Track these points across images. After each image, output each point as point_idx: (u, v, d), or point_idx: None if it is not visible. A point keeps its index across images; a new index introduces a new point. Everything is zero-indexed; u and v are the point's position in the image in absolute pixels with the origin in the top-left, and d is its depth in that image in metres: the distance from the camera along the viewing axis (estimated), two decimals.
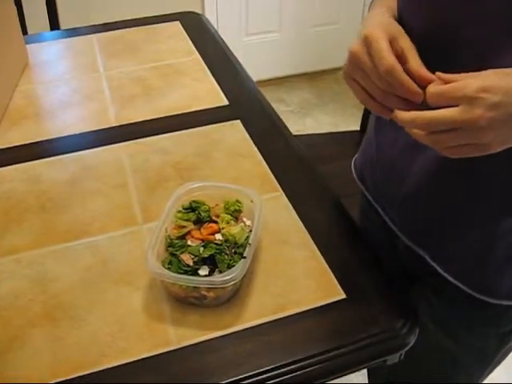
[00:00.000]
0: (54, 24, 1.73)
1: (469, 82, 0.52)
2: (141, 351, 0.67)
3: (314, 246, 0.80)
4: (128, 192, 0.90)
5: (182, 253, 0.72)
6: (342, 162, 1.09)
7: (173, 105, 1.11)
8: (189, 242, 0.74)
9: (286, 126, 1.06)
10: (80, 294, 0.74)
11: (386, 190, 0.81)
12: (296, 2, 2.65)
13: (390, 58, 0.57)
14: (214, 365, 0.66)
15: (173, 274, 0.69)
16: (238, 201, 0.79)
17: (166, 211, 0.76)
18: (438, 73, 0.56)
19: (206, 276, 0.70)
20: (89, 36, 1.37)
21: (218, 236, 0.74)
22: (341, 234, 0.84)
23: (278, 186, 0.90)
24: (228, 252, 0.72)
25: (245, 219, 0.77)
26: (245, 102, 1.13)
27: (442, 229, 0.74)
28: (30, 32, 1.73)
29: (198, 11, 1.54)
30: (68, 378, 0.65)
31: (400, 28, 0.62)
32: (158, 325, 0.70)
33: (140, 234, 0.82)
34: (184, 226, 0.76)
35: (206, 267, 0.71)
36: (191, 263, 0.71)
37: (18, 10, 1.22)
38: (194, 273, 0.70)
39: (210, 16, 2.49)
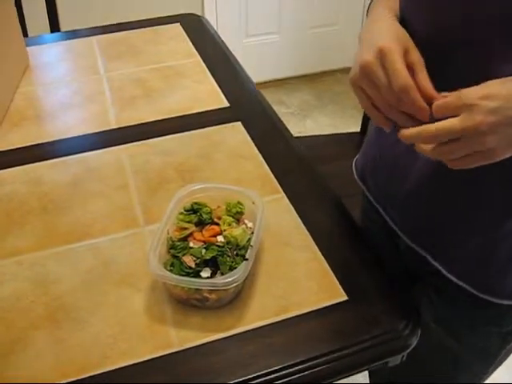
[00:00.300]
0: (55, 25, 1.73)
1: (469, 90, 0.53)
2: (143, 353, 0.67)
3: (316, 248, 0.80)
4: (129, 194, 0.90)
5: (184, 255, 0.72)
6: (342, 162, 1.09)
7: (174, 106, 1.11)
8: (191, 244, 0.74)
9: (286, 128, 1.06)
10: (82, 295, 0.74)
11: (389, 188, 0.81)
12: (295, 4, 2.65)
13: (405, 76, 0.57)
14: (218, 365, 0.66)
15: (175, 275, 0.69)
16: (239, 202, 0.79)
17: (167, 213, 0.76)
18: (443, 93, 0.57)
19: (207, 278, 0.70)
20: (89, 38, 1.37)
21: (220, 238, 0.74)
22: (342, 235, 0.84)
23: (279, 187, 0.91)
24: (230, 254, 0.72)
25: (246, 221, 0.77)
26: (245, 104, 1.13)
27: (443, 233, 0.74)
28: (30, 34, 1.74)
29: (198, 13, 1.55)
30: (70, 380, 0.65)
31: (409, 37, 0.62)
32: (159, 327, 0.70)
33: (141, 236, 0.83)
34: (186, 228, 0.76)
35: (207, 269, 0.71)
36: (193, 265, 0.71)
37: (18, 11, 1.22)
38: (196, 275, 0.71)
39: (210, 17, 2.49)
